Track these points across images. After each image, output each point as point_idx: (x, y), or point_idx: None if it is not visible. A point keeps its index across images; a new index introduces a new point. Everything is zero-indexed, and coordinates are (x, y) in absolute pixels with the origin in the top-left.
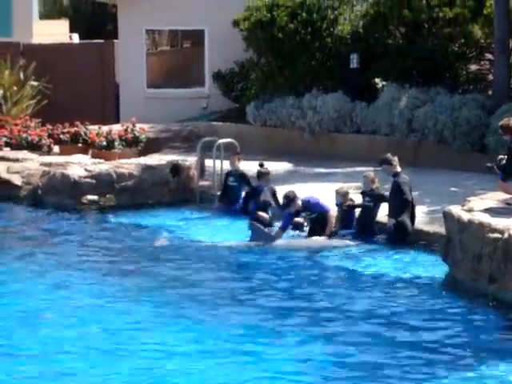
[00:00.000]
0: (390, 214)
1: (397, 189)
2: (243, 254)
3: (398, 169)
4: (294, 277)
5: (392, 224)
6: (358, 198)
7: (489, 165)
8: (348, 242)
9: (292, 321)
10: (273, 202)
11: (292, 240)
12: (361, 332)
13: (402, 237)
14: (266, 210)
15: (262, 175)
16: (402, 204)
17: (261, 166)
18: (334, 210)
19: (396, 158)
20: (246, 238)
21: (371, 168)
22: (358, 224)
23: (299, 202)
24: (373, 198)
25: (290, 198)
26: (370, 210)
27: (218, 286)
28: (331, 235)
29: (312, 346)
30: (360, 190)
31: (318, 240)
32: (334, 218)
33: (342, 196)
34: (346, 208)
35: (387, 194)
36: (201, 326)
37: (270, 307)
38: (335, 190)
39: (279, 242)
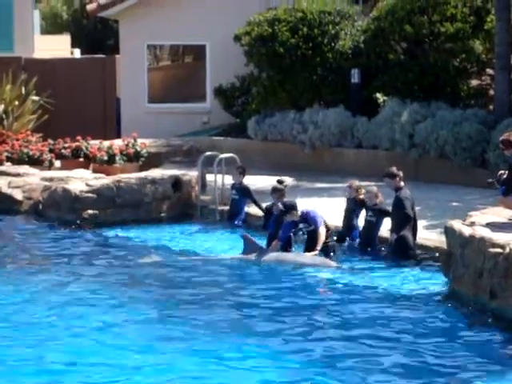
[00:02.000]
0: (392, 229)
1: (399, 204)
2: (232, 268)
3: (401, 184)
4: (289, 291)
5: (394, 239)
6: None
7: (490, 180)
8: (335, 263)
9: (287, 336)
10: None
11: (281, 254)
12: (358, 347)
13: (403, 252)
14: None
15: (274, 191)
16: (403, 219)
17: (279, 182)
18: (323, 228)
19: (400, 173)
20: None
21: (372, 183)
22: (361, 238)
23: (297, 213)
24: (376, 212)
25: (287, 207)
26: (372, 225)
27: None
28: (328, 251)
29: (310, 363)
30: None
31: (307, 256)
32: (323, 236)
33: (354, 190)
34: (359, 202)
35: (390, 208)
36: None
37: (263, 324)
38: (347, 185)
39: (269, 256)
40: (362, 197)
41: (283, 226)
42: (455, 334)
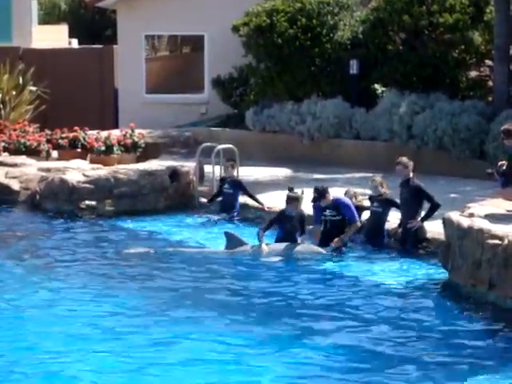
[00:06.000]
0: (408, 218)
1: (417, 192)
2: (220, 261)
3: (411, 174)
4: (292, 283)
5: (417, 225)
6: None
7: (489, 171)
8: (321, 249)
9: (288, 329)
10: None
11: (269, 245)
12: (357, 339)
13: (418, 242)
14: (292, 235)
15: (290, 201)
16: (432, 206)
17: (290, 190)
18: (359, 222)
19: (411, 163)
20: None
21: (370, 174)
22: (367, 230)
23: (330, 198)
24: (381, 203)
25: (319, 192)
26: (378, 216)
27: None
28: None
29: (310, 354)
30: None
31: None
32: (354, 231)
33: (350, 197)
34: (356, 208)
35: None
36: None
37: (262, 314)
38: (344, 193)
39: (261, 249)
40: (359, 203)
41: (314, 212)
42: (452, 325)
